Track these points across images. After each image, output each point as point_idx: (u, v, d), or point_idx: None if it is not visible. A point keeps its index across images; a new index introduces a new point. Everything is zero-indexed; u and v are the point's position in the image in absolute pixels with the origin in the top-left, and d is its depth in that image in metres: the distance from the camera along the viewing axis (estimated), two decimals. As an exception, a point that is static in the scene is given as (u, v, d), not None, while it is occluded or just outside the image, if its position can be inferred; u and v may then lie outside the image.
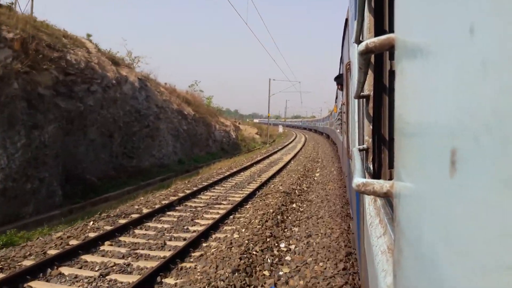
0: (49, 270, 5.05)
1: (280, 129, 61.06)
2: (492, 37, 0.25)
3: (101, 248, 5.97)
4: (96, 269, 5.16)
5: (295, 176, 13.22)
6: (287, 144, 31.91)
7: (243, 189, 11.05)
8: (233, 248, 5.71)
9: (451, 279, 0.32)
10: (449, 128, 0.33)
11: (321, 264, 5.24)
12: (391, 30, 1.02)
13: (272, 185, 11.39)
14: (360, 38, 1.70)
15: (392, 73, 1.49)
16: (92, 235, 6.50)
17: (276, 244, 6.10)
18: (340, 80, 6.74)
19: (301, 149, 26.27)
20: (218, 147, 28.39)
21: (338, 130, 14.44)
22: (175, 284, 4.66)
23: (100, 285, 4.71)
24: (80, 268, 5.23)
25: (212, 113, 30.83)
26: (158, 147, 20.00)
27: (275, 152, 23.80)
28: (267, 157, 20.74)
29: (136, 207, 8.75)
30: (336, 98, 13.41)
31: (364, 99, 1.73)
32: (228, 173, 14.05)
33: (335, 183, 12.03)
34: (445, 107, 0.34)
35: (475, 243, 0.27)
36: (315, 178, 13.26)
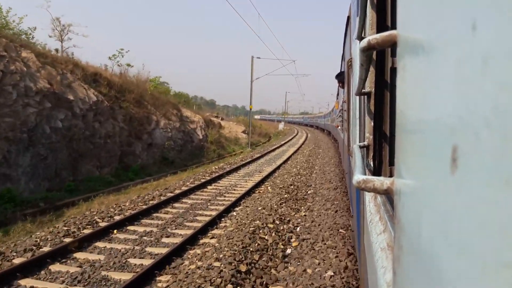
0: None
1: (281, 126, 59.22)
2: (494, 34, 0.25)
3: None
4: None
5: None
6: (277, 148, 23.62)
7: None
8: None
9: (451, 276, 0.32)
10: (451, 125, 0.33)
11: None
12: (394, 27, 1.02)
13: None
14: (362, 35, 1.69)
15: (393, 70, 1.48)
16: None
17: None
18: (341, 78, 6.74)
19: (289, 158, 18.07)
20: (156, 155, 17.91)
21: (339, 127, 14.42)
22: None
23: None
24: None
25: (160, 101, 20.57)
26: None
27: (245, 165, 15.07)
28: (216, 179, 11.48)
29: None
30: (337, 95, 13.43)
31: (365, 96, 1.73)
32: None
33: None
34: (447, 104, 0.34)
35: (476, 240, 0.27)
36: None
